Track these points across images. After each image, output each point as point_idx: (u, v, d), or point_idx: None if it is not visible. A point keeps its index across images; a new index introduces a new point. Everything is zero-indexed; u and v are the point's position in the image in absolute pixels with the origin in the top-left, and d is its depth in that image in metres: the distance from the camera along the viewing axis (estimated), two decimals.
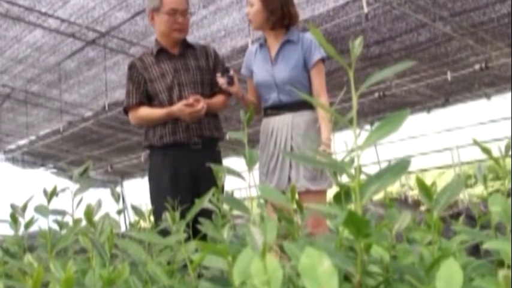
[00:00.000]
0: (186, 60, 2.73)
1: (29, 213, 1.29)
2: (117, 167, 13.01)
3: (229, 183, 2.72)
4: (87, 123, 10.01)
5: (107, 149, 12.14)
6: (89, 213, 1.13)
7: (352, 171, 0.71)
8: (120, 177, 14.39)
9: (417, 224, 1.03)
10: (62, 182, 10.02)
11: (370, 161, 10.93)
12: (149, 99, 2.73)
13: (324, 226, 2.25)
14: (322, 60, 2.62)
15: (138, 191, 13.53)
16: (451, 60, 7.73)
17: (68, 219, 1.27)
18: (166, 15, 2.66)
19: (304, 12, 6.07)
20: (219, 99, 2.75)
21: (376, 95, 8.31)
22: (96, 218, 1.15)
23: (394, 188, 11.83)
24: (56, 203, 1.22)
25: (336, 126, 2.65)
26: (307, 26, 2.98)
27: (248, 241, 0.67)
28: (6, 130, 11.06)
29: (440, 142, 10.96)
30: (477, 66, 7.17)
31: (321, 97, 2.58)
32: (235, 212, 1.24)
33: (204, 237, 1.16)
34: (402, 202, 9.78)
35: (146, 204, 2.93)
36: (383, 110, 9.93)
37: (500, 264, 0.89)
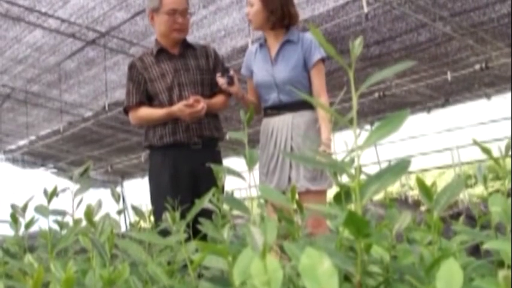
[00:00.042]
0: (186, 60, 2.73)
1: (29, 213, 1.29)
2: (117, 167, 13.01)
3: (229, 183, 2.72)
4: (87, 123, 10.01)
5: (107, 149, 12.14)
6: (89, 213, 1.13)
7: (352, 171, 0.71)
8: (120, 177, 14.39)
9: (417, 224, 1.03)
10: (62, 182, 10.01)
11: (370, 161, 10.93)
12: (149, 99, 2.73)
13: (324, 226, 2.25)
14: (322, 60, 2.61)
15: (138, 191, 13.56)
16: (451, 60, 7.73)
17: (68, 219, 1.27)
18: (166, 15, 2.66)
19: (304, 12, 6.07)
20: (219, 99, 2.75)
21: (376, 95, 8.30)
22: (97, 218, 1.15)
23: (394, 188, 11.83)
24: (56, 203, 1.22)
25: (336, 126, 2.65)
26: (307, 26, 2.98)
27: (248, 241, 0.67)
28: (6, 130, 11.06)
29: (441, 142, 10.98)
30: (477, 66, 7.17)
31: (321, 97, 2.58)
32: (235, 212, 1.24)
33: (204, 238, 1.16)
34: (402, 202, 9.78)
35: (146, 205, 2.92)
36: (383, 110, 9.93)
37: (500, 264, 0.89)
